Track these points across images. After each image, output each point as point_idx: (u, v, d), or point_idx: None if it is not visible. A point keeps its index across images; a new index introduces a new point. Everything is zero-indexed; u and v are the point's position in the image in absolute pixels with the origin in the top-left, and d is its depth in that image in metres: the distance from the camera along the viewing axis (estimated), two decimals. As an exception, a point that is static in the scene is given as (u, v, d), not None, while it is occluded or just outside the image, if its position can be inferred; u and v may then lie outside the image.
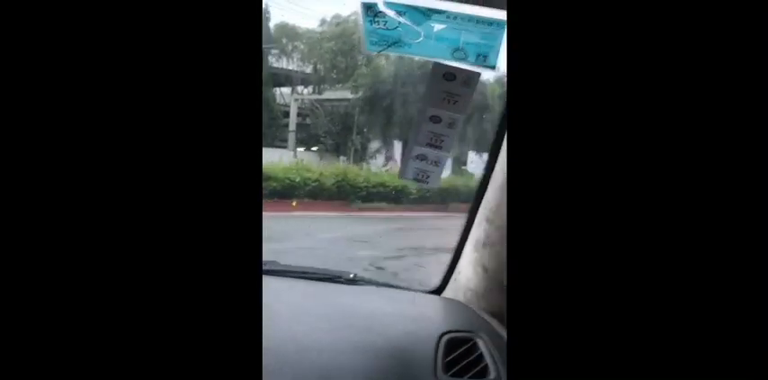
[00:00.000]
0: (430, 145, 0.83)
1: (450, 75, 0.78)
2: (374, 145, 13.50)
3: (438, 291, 1.02)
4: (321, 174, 9.76)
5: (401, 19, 0.76)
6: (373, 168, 11.59)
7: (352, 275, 1.05)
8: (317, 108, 13.05)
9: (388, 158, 12.85)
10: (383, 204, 10.14)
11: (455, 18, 0.75)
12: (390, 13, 0.76)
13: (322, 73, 13.12)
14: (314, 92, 13.60)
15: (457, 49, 0.78)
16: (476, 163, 14.04)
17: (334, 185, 9.78)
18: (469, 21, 0.74)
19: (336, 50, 12.78)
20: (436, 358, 0.73)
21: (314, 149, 13.21)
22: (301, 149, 13.03)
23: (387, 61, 12.35)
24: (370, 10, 0.77)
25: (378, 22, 0.77)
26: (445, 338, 0.77)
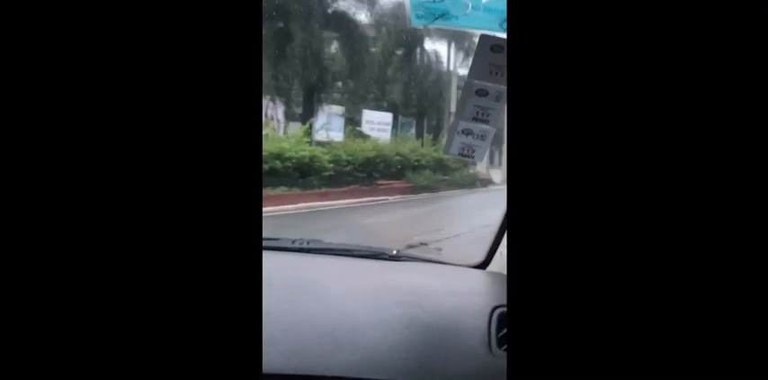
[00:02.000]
0: (476, 119, 0.86)
1: (498, 47, 0.81)
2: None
3: (483, 265, 1.10)
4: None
5: (448, -8, 0.75)
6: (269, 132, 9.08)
7: (394, 252, 1.11)
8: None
9: (270, 118, 11.01)
10: (283, 190, 7.15)
11: (505, -12, 0.76)
12: (438, -16, 0.75)
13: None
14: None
15: (505, 20, 0.80)
16: (372, 123, 12.39)
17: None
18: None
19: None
20: (489, 333, 0.77)
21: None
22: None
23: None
24: (416, -18, 0.75)
25: (424, -6, 0.76)
26: (497, 312, 0.82)
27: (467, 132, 0.91)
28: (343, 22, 9.62)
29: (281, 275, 0.93)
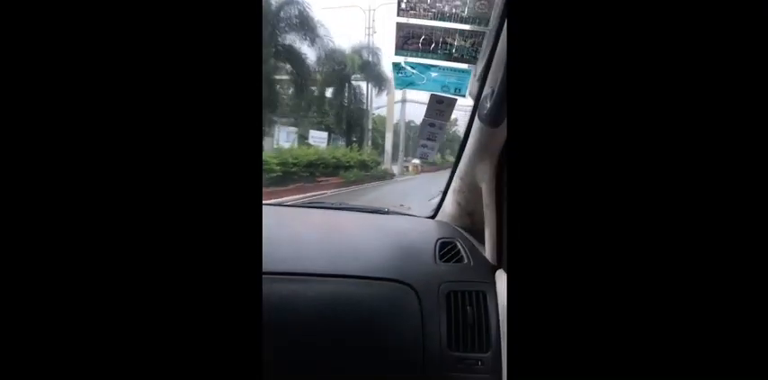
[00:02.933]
0: (428, 139, 1.55)
1: (440, 99, 1.51)
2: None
3: (433, 216, 1.67)
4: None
5: (414, 71, 1.47)
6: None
7: (386, 210, 1.69)
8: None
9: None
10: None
11: (443, 69, 1.47)
12: (408, 68, 1.47)
13: None
14: None
15: (444, 86, 1.51)
16: (314, 137, 18.34)
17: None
18: (449, 70, 1.47)
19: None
20: (435, 252, 1.32)
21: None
22: None
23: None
24: (396, 66, 1.48)
25: (401, 72, 1.47)
26: (439, 241, 1.37)
27: (424, 145, 1.57)
28: (295, 67, 13.22)
29: (304, 216, 1.44)
